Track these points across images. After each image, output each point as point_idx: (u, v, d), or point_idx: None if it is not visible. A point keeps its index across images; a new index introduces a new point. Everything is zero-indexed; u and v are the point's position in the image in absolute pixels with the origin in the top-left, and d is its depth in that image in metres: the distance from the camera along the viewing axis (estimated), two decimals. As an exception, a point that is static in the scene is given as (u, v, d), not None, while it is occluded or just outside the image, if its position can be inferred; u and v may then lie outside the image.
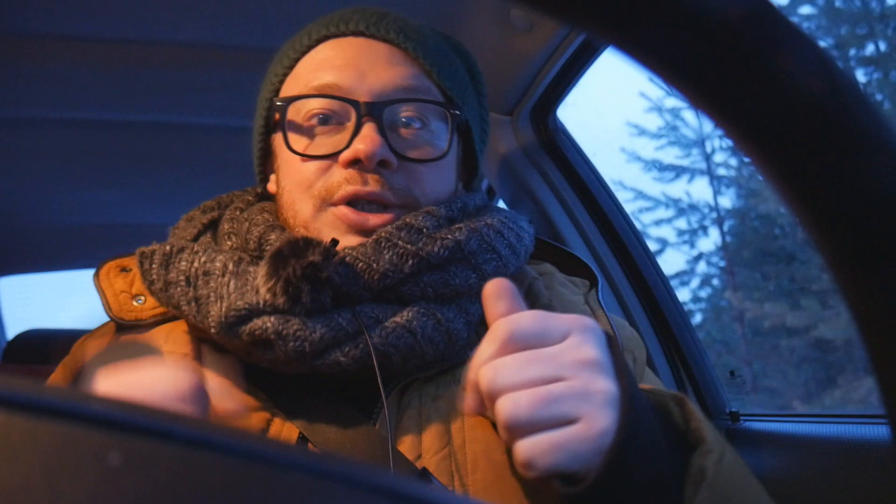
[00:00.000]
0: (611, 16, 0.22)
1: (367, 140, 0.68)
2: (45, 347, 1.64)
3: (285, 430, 0.64)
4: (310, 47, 0.75)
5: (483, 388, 0.47)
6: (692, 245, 11.43)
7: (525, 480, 0.53)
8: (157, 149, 1.60)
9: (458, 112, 0.74)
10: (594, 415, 0.46)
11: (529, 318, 0.49)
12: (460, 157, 0.79)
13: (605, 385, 0.47)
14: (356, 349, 0.63)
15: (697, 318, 11.30)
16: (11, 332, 2.03)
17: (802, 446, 1.02)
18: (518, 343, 0.48)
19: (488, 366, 0.47)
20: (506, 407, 0.46)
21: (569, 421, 0.45)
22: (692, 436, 0.53)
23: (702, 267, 11.45)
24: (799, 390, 9.83)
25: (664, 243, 11.49)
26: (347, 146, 0.69)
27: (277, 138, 0.76)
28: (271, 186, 0.79)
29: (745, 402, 1.28)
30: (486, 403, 0.48)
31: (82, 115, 1.44)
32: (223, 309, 0.64)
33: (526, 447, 0.45)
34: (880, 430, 0.91)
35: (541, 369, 0.46)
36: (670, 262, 11.49)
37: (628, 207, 2.41)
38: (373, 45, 0.73)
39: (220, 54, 1.29)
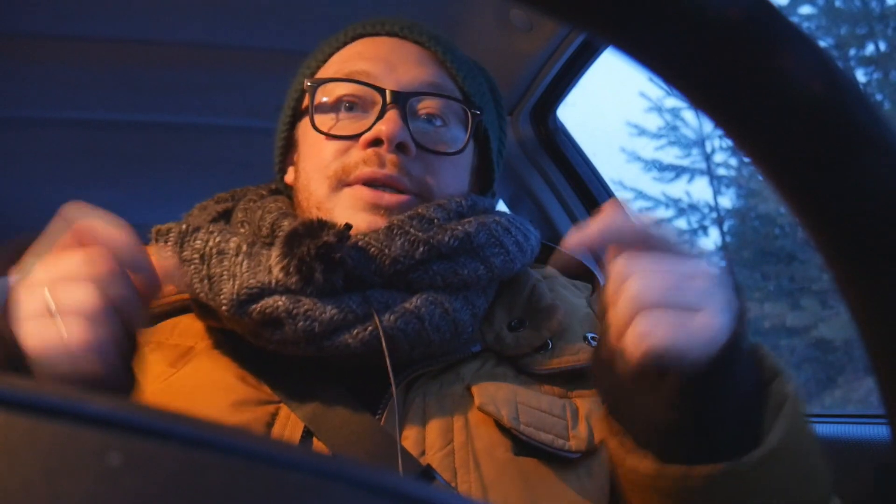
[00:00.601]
0: (611, 16, 0.22)
1: (389, 122, 0.70)
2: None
3: (290, 422, 0.64)
4: (345, 43, 0.79)
5: (614, 271, 0.51)
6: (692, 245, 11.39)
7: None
8: (158, 149, 1.60)
9: (478, 112, 0.76)
10: (715, 311, 0.49)
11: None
12: (475, 165, 0.81)
13: (725, 295, 0.51)
14: (365, 332, 0.63)
15: (697, 318, 11.25)
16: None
17: (802, 446, 1.02)
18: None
19: (622, 256, 0.51)
20: (637, 283, 0.49)
21: (693, 311, 0.49)
22: (767, 371, 0.56)
23: (702, 267, 11.41)
24: (799, 390, 9.80)
25: (664, 243, 11.45)
26: (369, 129, 0.71)
27: (302, 126, 0.78)
28: (288, 177, 0.80)
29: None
30: (614, 295, 0.51)
31: (82, 115, 1.44)
32: (235, 287, 0.65)
33: (649, 320, 0.48)
34: (880, 430, 0.91)
35: (673, 266, 0.50)
36: (670, 262, 11.45)
37: (628, 207, 2.40)
38: (405, 44, 0.77)
39: (220, 54, 1.29)
